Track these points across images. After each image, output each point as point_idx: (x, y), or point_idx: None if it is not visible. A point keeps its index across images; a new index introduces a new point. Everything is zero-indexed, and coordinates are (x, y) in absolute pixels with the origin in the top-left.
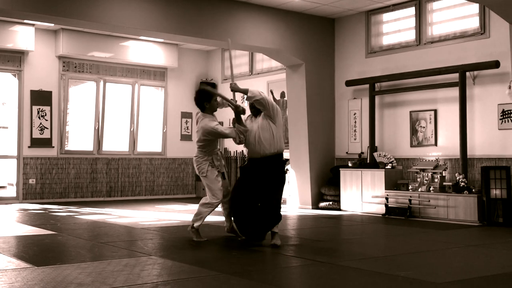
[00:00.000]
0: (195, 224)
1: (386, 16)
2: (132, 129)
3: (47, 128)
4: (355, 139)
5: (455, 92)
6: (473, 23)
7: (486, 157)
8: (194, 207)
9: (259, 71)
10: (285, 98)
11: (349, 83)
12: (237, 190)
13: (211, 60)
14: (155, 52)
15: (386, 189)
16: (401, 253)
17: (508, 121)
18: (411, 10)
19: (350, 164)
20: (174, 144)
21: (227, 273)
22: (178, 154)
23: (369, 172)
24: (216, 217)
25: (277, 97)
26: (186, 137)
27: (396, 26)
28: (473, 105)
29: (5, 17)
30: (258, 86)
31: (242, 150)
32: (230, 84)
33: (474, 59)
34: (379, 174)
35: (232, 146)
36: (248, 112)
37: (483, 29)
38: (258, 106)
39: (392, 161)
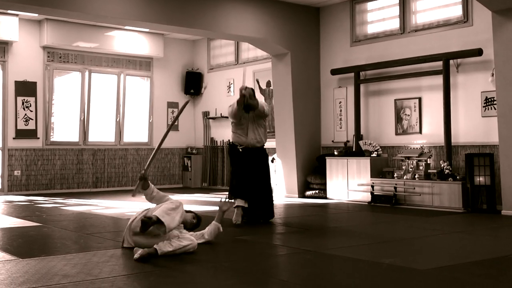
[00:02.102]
0: None
1: (370, 5)
2: (118, 120)
3: (32, 119)
4: (340, 128)
5: (439, 80)
6: (456, 12)
7: (470, 144)
8: (181, 197)
9: (245, 61)
10: (271, 87)
11: (334, 71)
12: (239, 169)
13: (197, 50)
14: (140, 42)
15: (371, 177)
16: (386, 241)
17: (491, 109)
18: None
19: (336, 153)
20: (160, 134)
21: (213, 263)
22: (165, 144)
23: (354, 160)
24: (205, 207)
25: (263, 86)
26: (172, 127)
27: (380, 15)
28: (457, 93)
29: None
30: (244, 75)
31: (229, 139)
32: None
33: (457, 47)
34: (365, 162)
35: (218, 136)
36: None
37: (466, 18)
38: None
39: (378, 149)
